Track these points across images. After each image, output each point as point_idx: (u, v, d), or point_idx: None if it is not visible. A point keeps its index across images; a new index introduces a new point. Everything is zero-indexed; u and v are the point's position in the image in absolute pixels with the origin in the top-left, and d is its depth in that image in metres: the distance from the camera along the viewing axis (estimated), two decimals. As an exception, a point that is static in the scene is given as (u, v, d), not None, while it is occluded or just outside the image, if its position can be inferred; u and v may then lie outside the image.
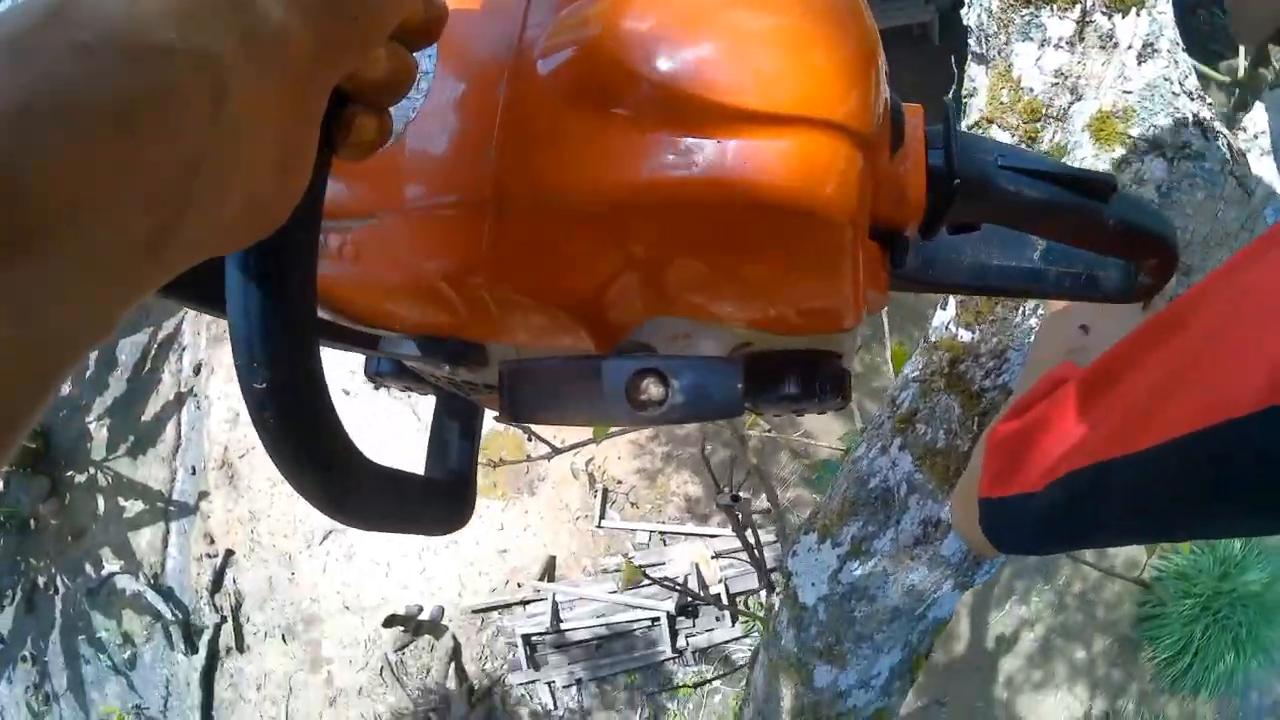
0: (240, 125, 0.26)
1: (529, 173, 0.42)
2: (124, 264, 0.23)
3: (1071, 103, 0.90)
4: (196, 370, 4.86)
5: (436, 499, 0.51)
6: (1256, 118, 1.17)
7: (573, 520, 4.25)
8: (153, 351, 4.91)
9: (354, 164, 0.35)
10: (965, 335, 0.93)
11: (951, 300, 0.94)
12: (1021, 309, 0.89)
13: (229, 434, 4.68)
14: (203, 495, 4.66)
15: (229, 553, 4.57)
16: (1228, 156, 0.97)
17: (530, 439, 1.41)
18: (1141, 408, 0.54)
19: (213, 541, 4.61)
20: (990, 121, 0.91)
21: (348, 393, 4.34)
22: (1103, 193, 0.53)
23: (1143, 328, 0.59)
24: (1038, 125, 0.90)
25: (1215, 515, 0.53)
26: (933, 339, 0.97)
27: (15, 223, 0.20)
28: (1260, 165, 1.09)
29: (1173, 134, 0.92)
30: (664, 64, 0.40)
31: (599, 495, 4.21)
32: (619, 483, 4.26)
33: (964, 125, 0.94)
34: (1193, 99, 0.96)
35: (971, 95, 0.94)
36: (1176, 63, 0.95)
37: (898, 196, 0.49)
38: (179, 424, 4.84)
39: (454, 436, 0.57)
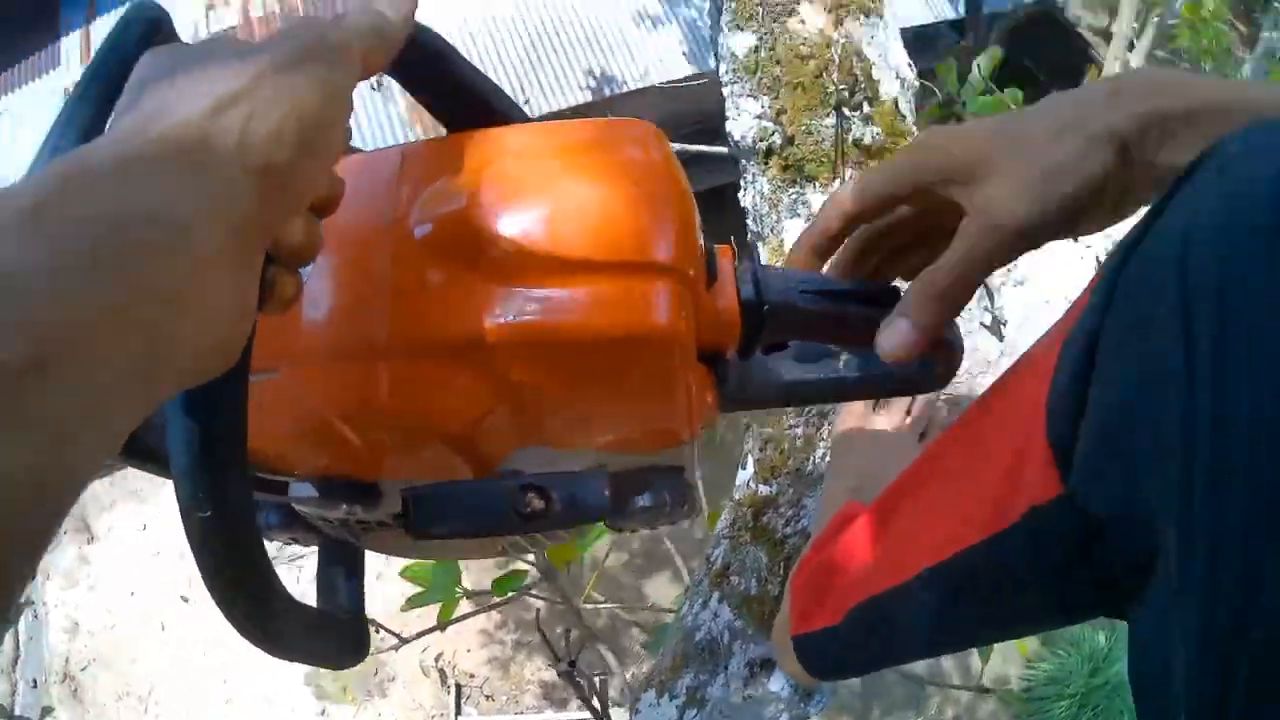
0: (207, 275, 0.32)
1: (413, 323, 0.48)
2: (120, 391, 0.28)
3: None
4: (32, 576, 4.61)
5: (338, 633, 0.55)
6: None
7: (428, 721, 4.12)
8: (-16, 558, 4.63)
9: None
10: (765, 489, 1.00)
11: (750, 460, 1.01)
12: (811, 459, 0.97)
13: (69, 644, 4.42)
14: (46, 711, 4.33)
15: (78, 775, 4.26)
16: (983, 294, 1.09)
17: (377, 631, 1.41)
18: (906, 542, 0.61)
19: (59, 763, 4.30)
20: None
21: (186, 600, 4.18)
22: (889, 301, 0.59)
23: (911, 468, 0.66)
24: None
25: (969, 628, 0.61)
26: (737, 497, 1.03)
27: (35, 351, 0.25)
28: (1013, 295, 1.21)
29: (930, 282, 1.04)
30: (513, 228, 0.47)
31: (452, 691, 4.09)
32: (471, 676, 4.16)
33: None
34: (944, 250, 1.08)
35: None
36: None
37: (716, 323, 0.56)
38: (16, 634, 4.55)
39: (341, 579, 0.60)
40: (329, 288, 0.50)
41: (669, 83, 4.08)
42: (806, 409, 0.99)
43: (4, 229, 0.27)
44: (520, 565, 1.44)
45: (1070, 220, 0.53)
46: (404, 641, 1.53)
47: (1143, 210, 0.47)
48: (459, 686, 4.11)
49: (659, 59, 4.63)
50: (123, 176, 0.30)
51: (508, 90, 0.59)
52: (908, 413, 0.96)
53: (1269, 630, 0.37)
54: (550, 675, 4.05)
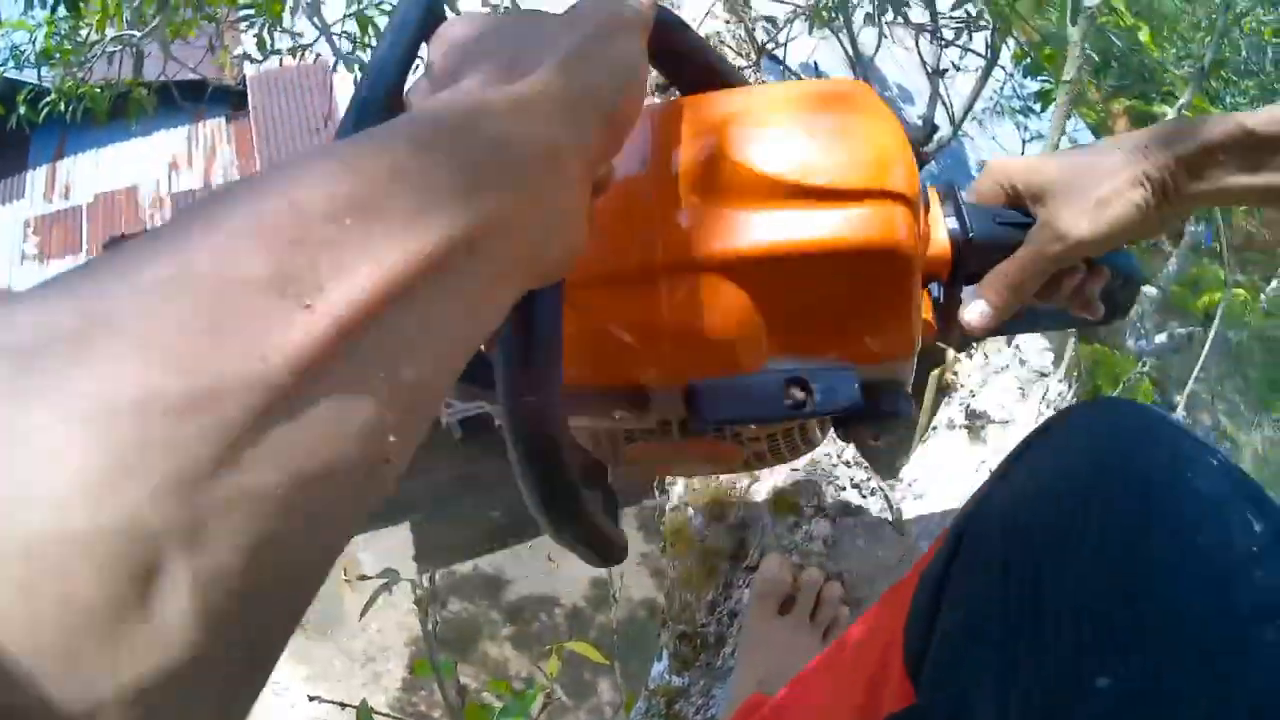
0: (568, 194, 0.38)
1: (684, 247, 0.56)
2: (508, 279, 0.35)
3: (751, 483, 1.12)
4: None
5: (609, 533, 0.60)
6: (914, 467, 1.42)
7: None
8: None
9: None
10: (678, 680, 1.09)
11: (665, 654, 1.11)
12: (721, 654, 1.08)
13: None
14: None
15: None
16: (885, 506, 1.21)
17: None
18: None
19: None
20: (687, 504, 1.12)
21: None
22: None
23: (805, 669, 0.78)
24: (724, 507, 1.11)
25: None
26: (652, 686, 1.12)
27: (466, 234, 0.30)
28: (914, 506, 1.34)
29: (835, 497, 1.16)
30: (767, 162, 0.56)
31: None
32: None
33: (669, 509, 1.16)
34: (851, 466, 1.21)
35: (673, 484, 1.16)
36: (835, 440, 1.20)
37: (932, 253, 0.65)
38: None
39: (600, 497, 0.64)
40: (602, 222, 0.56)
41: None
42: (717, 610, 1.10)
43: (420, 143, 0.32)
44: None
45: (1116, 238, 0.66)
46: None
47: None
48: None
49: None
50: (512, 112, 0.36)
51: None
52: (812, 615, 1.07)
53: None
54: None
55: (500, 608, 5.74)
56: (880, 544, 1.20)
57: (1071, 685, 0.50)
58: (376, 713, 1.41)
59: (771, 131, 0.57)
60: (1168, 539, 0.51)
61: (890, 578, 1.18)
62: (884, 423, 0.62)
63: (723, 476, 1.12)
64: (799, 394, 0.57)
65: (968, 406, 1.55)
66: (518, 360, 0.47)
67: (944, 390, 1.51)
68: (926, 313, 0.67)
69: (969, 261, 0.67)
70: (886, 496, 1.24)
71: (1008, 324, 0.70)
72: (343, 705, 1.48)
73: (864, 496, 1.20)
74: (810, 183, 0.55)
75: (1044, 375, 1.56)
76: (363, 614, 1.67)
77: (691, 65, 0.64)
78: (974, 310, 0.68)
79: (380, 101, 0.47)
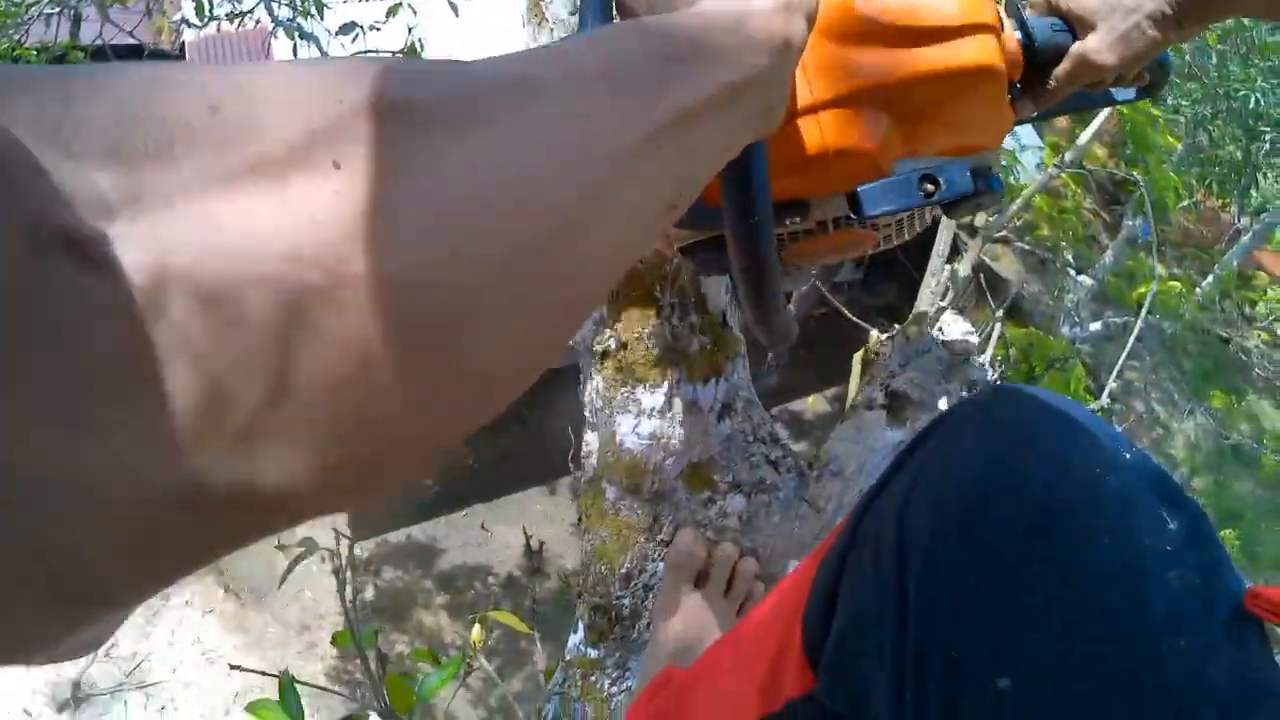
0: (791, 74, 0.53)
1: (831, 86, 0.70)
2: (750, 124, 0.49)
3: (665, 458, 1.14)
4: None
5: (792, 322, 0.79)
6: (831, 444, 1.45)
7: None
8: None
9: None
10: (593, 653, 1.11)
11: (581, 625, 1.14)
12: (637, 627, 1.10)
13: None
14: None
15: None
16: (799, 484, 1.24)
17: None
18: (704, 712, 0.75)
19: None
20: (601, 478, 1.14)
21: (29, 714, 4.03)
22: None
23: (714, 646, 0.80)
24: (639, 480, 1.13)
25: None
26: (569, 658, 1.15)
27: (740, 80, 0.45)
28: (831, 484, 1.36)
29: (750, 474, 1.18)
30: (887, 11, 0.69)
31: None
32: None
33: (584, 481, 1.17)
34: (766, 444, 1.23)
35: (588, 456, 1.18)
36: (750, 416, 1.22)
37: (1009, 62, 0.77)
38: None
39: None
40: None
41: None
42: (632, 583, 1.12)
43: (710, 27, 0.45)
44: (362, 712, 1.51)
45: (1139, 64, 0.82)
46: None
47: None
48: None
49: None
50: (763, 15, 0.49)
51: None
52: (727, 591, 1.09)
53: None
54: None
55: (434, 576, 5.75)
56: (795, 521, 1.22)
57: (970, 683, 0.51)
58: (300, 683, 1.42)
59: None
60: (1065, 545, 0.52)
61: (805, 554, 1.20)
62: (983, 198, 0.77)
63: (638, 451, 1.14)
64: (930, 186, 0.73)
65: (888, 387, 1.58)
66: (743, 191, 0.61)
67: (867, 369, 1.54)
68: (1010, 110, 0.82)
69: (1035, 62, 0.84)
70: (802, 473, 1.26)
71: (1061, 106, 0.91)
72: (263, 674, 1.49)
73: (779, 473, 1.22)
74: (922, 24, 0.70)
75: (967, 358, 1.59)
76: (281, 582, 1.68)
77: None
78: (1021, 109, 0.88)
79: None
